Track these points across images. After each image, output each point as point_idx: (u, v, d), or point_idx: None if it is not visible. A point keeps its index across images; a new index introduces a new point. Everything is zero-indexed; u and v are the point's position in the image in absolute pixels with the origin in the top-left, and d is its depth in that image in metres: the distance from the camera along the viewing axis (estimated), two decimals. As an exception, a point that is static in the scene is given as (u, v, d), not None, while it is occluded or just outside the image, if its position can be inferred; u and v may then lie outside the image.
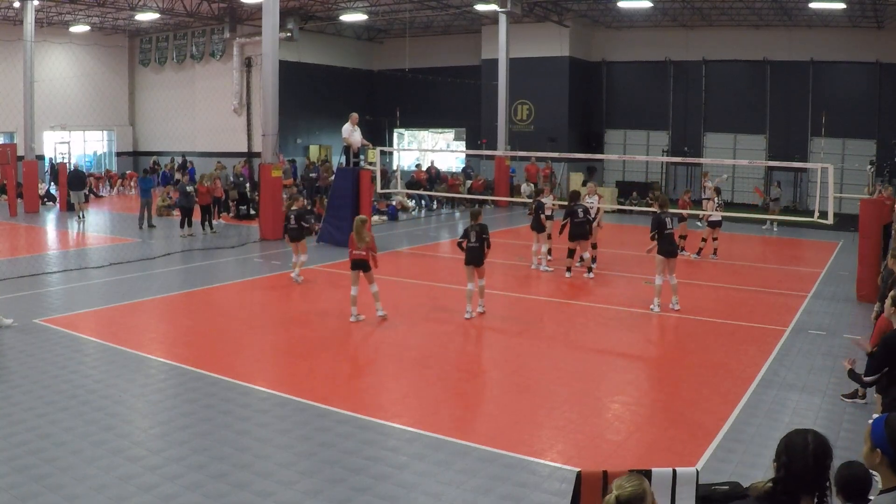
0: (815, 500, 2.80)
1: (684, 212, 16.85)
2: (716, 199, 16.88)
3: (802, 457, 2.78)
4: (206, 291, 12.96)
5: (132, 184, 31.00)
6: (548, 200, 15.36)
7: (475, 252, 10.74)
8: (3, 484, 5.52)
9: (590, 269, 14.18)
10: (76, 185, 22.14)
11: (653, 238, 11.46)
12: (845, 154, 26.63)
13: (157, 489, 5.51)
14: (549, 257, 15.09)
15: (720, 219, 16.61)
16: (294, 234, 13.59)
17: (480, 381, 8.55)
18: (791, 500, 2.77)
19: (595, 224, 14.63)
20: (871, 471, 2.94)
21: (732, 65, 28.78)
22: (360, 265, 10.43)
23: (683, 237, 16.37)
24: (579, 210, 13.81)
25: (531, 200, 15.07)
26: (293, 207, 14.04)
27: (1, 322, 9.95)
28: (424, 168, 28.75)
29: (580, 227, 13.77)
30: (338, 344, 9.80)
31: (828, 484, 2.81)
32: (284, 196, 20.01)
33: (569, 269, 14.35)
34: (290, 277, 13.53)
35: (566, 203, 14.58)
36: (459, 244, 10.84)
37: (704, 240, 16.81)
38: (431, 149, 35.25)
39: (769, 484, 2.88)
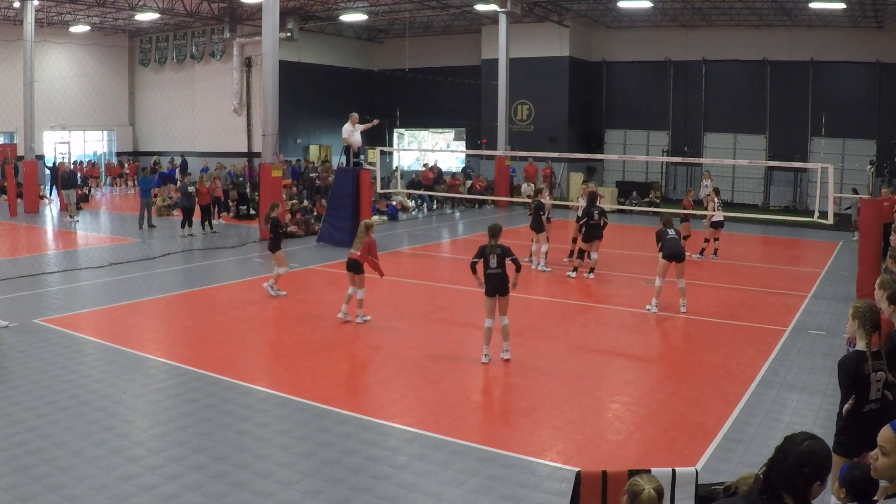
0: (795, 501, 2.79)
1: (686, 212, 16.86)
2: (716, 199, 16.88)
3: (788, 453, 2.78)
4: (206, 291, 12.96)
5: (132, 182, 31.00)
6: (546, 201, 15.40)
7: (498, 279, 8.75)
8: (3, 484, 5.52)
9: (591, 270, 14.20)
10: (67, 184, 22.11)
11: (660, 249, 11.50)
12: (845, 154, 26.62)
13: (157, 489, 5.51)
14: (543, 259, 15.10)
15: (722, 219, 16.62)
16: (270, 244, 12.41)
17: (480, 381, 8.55)
18: (775, 495, 2.78)
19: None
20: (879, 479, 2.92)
21: (732, 65, 28.77)
22: (351, 266, 10.47)
23: (686, 237, 16.44)
24: (595, 212, 13.97)
25: (531, 200, 15.10)
26: (272, 214, 12.61)
27: None
28: (428, 167, 28.70)
29: (595, 229, 13.96)
30: (338, 344, 9.80)
31: (807, 496, 2.78)
32: (284, 196, 20.04)
33: (575, 270, 14.37)
34: (288, 280, 13.48)
35: (566, 204, 14.62)
36: (472, 266, 8.84)
37: (707, 240, 16.82)
38: (431, 149, 35.25)
39: (764, 468, 2.88)
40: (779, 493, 2.77)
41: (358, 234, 10.62)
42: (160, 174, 27.36)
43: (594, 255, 14.20)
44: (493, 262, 8.72)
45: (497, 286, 8.76)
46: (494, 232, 8.90)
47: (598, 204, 14.35)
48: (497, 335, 8.94)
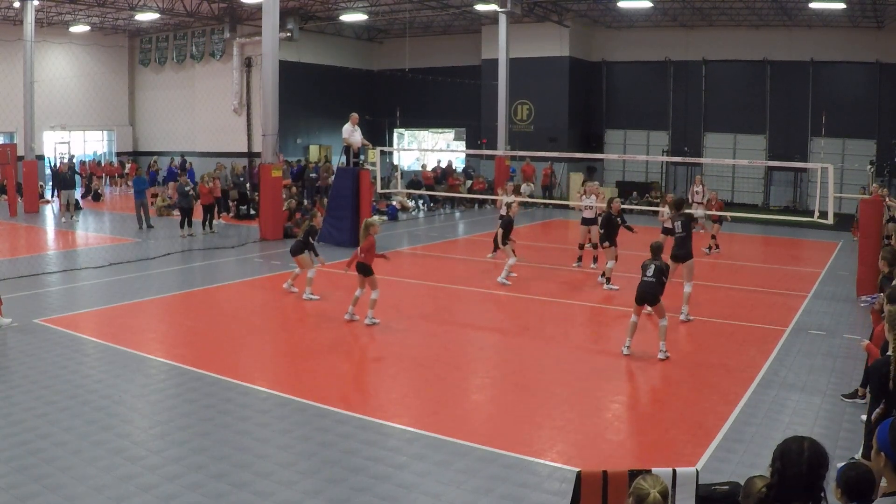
0: None
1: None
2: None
3: (797, 464, 2.76)
4: (206, 291, 12.96)
5: (130, 183, 31.03)
6: (509, 198, 15.43)
7: (648, 287, 9.07)
8: (3, 484, 5.52)
9: (608, 279, 13.70)
10: (66, 184, 22.08)
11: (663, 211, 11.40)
12: (845, 154, 26.62)
13: (156, 489, 5.51)
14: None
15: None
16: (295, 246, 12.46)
17: (480, 381, 8.55)
18: None
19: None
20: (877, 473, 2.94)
21: (732, 65, 28.77)
22: (359, 269, 10.51)
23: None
24: (616, 218, 13.73)
25: (501, 217, 14.92)
26: (311, 223, 12.62)
27: (0, 322, 9.96)
28: (430, 168, 28.63)
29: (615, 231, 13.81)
30: (338, 344, 9.79)
31: (822, 494, 2.80)
32: (284, 196, 20.01)
33: (607, 278, 13.49)
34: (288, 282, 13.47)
35: (565, 204, 14.51)
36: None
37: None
38: (431, 149, 35.25)
39: (763, 489, 2.88)
40: (788, 502, 2.74)
41: (361, 234, 10.66)
42: (170, 170, 27.37)
43: (610, 264, 13.34)
44: (650, 272, 9.13)
45: (645, 295, 9.11)
46: (656, 249, 9.35)
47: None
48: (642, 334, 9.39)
